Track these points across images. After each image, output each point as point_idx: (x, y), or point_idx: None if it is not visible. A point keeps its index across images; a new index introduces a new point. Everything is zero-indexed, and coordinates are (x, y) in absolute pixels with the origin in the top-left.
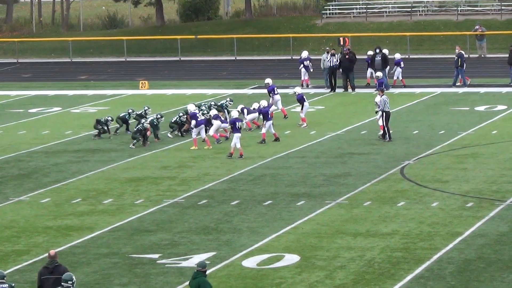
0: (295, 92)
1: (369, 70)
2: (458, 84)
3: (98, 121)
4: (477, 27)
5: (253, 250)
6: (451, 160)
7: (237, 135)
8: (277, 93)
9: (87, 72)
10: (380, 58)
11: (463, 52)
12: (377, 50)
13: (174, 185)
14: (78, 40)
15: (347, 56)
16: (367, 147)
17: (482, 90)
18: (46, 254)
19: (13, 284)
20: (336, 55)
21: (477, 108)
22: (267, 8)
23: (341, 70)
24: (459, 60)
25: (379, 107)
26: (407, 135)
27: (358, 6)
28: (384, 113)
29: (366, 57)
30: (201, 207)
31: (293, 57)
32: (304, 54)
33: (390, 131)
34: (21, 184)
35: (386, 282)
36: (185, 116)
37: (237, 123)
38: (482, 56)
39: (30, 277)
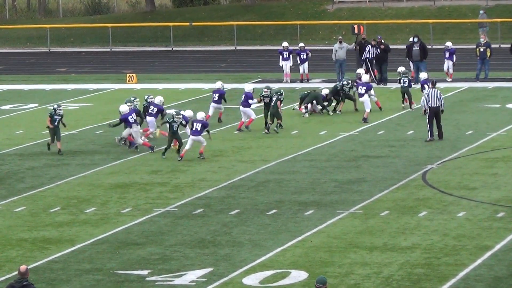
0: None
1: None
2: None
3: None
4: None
5: (255, 266)
6: (480, 164)
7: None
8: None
9: (67, 64)
10: (418, 48)
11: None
12: (415, 39)
13: (165, 192)
14: (57, 27)
15: (382, 46)
16: (385, 149)
17: None
18: None
19: None
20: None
21: (509, 106)
22: None
23: (374, 61)
24: (488, 50)
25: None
26: None
27: None
28: (429, 109)
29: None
30: (196, 217)
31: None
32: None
33: (441, 129)
34: None
35: None
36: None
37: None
38: None
39: None
